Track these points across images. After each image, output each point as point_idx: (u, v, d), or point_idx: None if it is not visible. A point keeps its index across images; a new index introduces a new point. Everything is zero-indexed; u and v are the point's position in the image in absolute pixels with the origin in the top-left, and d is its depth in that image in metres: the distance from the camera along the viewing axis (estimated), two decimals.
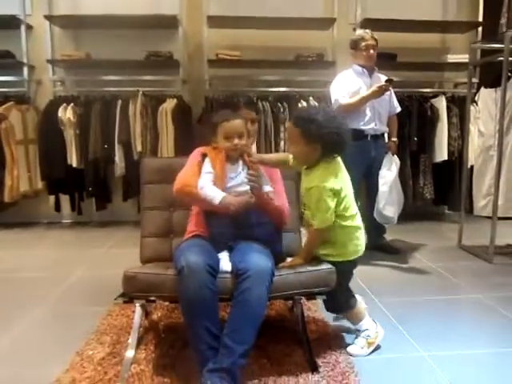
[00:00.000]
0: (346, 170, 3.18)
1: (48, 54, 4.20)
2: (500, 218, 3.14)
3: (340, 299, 1.74)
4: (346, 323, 1.92)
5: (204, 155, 1.77)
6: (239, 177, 1.74)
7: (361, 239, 1.72)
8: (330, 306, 1.80)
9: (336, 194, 1.62)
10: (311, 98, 4.10)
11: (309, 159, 1.66)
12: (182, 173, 1.78)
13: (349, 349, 1.78)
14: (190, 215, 1.86)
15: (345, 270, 1.70)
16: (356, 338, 1.81)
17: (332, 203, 1.61)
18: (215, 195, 1.65)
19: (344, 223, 1.66)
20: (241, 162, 1.76)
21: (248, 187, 1.70)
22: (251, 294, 1.45)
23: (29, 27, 4.22)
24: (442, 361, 1.71)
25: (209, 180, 1.70)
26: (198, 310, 1.45)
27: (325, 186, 1.60)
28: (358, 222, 1.72)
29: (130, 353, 1.71)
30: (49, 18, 4.14)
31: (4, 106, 3.90)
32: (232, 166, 1.74)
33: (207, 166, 1.73)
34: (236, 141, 1.70)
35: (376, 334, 1.79)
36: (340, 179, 1.67)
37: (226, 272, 1.57)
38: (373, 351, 1.78)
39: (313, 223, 1.65)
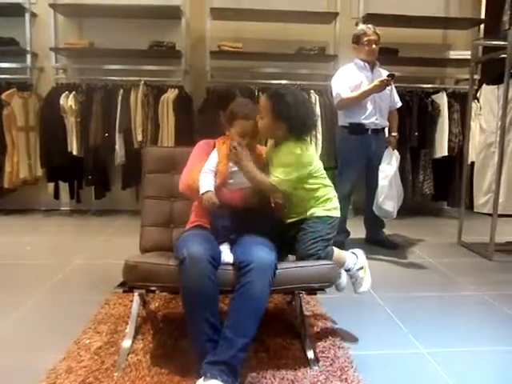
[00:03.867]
0: (344, 163, 3.19)
1: (51, 42, 4.19)
2: (500, 216, 3.14)
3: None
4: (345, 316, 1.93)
5: (215, 145, 1.79)
6: None
7: (334, 202, 1.82)
8: None
9: (305, 163, 1.70)
10: (312, 91, 4.08)
11: (273, 135, 1.75)
12: (185, 171, 1.79)
13: (359, 291, 1.85)
14: (193, 205, 1.85)
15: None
16: (352, 278, 1.86)
17: (299, 173, 1.68)
18: (203, 185, 1.67)
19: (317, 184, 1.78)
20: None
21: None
22: (254, 287, 1.44)
23: (33, 15, 4.22)
24: (442, 358, 1.70)
25: (211, 166, 1.72)
26: (198, 300, 1.44)
27: (296, 152, 1.67)
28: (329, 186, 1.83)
29: (127, 342, 1.70)
30: (53, 6, 4.14)
31: (6, 93, 3.90)
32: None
33: (214, 153, 1.75)
34: (247, 140, 1.71)
35: (359, 260, 1.87)
36: (310, 152, 1.75)
37: (228, 264, 1.56)
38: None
39: (274, 179, 1.66)
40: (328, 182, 1.83)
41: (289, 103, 1.67)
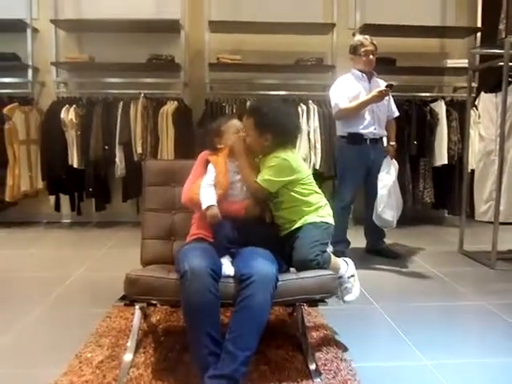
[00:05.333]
0: (344, 173, 3.16)
1: (52, 57, 4.23)
2: (501, 224, 3.13)
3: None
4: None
5: (207, 161, 1.83)
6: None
7: (327, 209, 1.87)
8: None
9: (291, 168, 1.77)
10: (310, 102, 4.11)
11: (261, 147, 1.81)
12: (188, 182, 1.83)
13: (346, 298, 1.84)
14: (193, 217, 1.86)
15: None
16: (342, 286, 1.85)
17: (284, 177, 1.76)
18: (204, 200, 1.71)
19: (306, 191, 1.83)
20: None
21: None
22: (255, 299, 1.44)
23: (35, 30, 4.27)
24: (446, 369, 1.68)
25: (210, 180, 1.75)
26: (200, 314, 1.44)
27: (283, 156, 1.76)
28: (320, 194, 1.90)
29: (128, 356, 1.70)
30: (54, 21, 4.19)
31: (8, 107, 3.91)
32: (235, 164, 1.81)
33: (210, 167, 1.80)
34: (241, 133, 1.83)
35: (350, 268, 1.87)
36: (297, 160, 1.84)
37: (229, 277, 1.56)
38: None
39: (259, 177, 1.75)
40: (319, 190, 1.89)
41: (267, 113, 1.80)
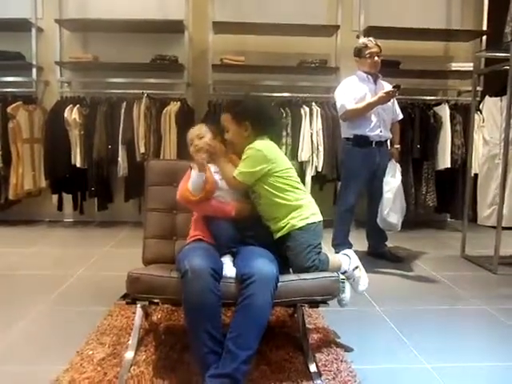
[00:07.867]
0: (348, 175, 3.15)
1: (57, 56, 4.25)
2: (504, 228, 3.12)
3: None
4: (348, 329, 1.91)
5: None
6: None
7: (310, 207, 1.80)
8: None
9: (266, 158, 1.72)
10: (314, 104, 4.11)
11: (242, 140, 1.78)
12: (183, 181, 1.83)
13: (359, 289, 1.86)
14: (192, 220, 1.87)
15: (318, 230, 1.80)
16: (350, 279, 1.85)
17: (259, 166, 1.71)
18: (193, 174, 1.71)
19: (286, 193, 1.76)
20: None
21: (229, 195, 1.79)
22: (256, 299, 1.44)
23: (39, 30, 4.29)
24: (446, 373, 1.68)
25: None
26: (201, 314, 1.44)
27: (257, 147, 1.73)
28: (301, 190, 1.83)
29: (129, 354, 1.70)
30: (59, 21, 4.21)
31: (12, 106, 3.93)
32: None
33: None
34: (196, 142, 1.80)
35: (353, 260, 1.87)
36: (274, 150, 1.78)
37: (230, 277, 1.56)
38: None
39: (235, 171, 1.72)
40: (301, 186, 1.83)
41: (242, 102, 1.85)
